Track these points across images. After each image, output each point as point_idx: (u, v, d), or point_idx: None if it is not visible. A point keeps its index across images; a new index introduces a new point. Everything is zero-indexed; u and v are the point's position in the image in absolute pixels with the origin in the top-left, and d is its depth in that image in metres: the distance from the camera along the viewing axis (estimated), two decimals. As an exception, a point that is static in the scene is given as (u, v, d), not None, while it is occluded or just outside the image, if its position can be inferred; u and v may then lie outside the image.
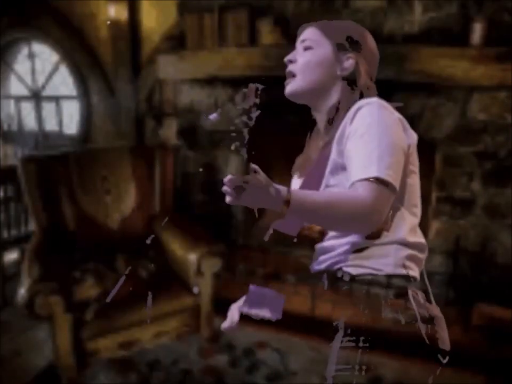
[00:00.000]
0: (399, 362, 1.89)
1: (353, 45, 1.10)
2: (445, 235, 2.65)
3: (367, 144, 0.95)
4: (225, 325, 1.14)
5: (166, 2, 3.15)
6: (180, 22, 3.02)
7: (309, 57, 1.09)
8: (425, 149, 2.91)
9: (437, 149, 2.59)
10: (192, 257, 2.29)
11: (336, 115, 1.08)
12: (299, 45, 1.12)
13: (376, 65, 1.14)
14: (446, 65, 2.32)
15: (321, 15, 2.64)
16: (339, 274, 1.06)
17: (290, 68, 1.11)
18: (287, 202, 0.87)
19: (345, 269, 1.05)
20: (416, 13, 2.49)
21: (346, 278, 1.05)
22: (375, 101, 1.01)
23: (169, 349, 2.35)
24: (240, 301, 1.12)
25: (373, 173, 0.92)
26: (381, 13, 2.55)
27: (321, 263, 1.11)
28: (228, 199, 0.88)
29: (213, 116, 0.97)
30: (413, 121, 2.52)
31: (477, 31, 2.31)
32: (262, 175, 0.87)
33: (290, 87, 1.10)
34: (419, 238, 1.08)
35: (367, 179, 0.91)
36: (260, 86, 0.88)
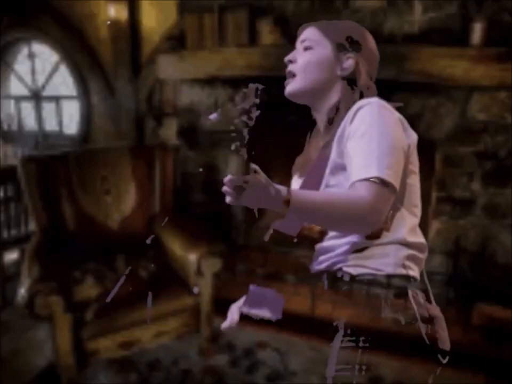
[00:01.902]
0: (399, 362, 1.89)
1: (353, 45, 1.10)
2: (445, 235, 2.65)
3: (367, 144, 0.95)
4: (225, 324, 1.14)
5: (166, 2, 3.15)
6: (179, 22, 3.02)
7: (309, 57, 1.09)
8: (425, 149, 2.90)
9: (437, 149, 2.59)
10: (192, 257, 2.29)
11: (336, 115, 1.08)
12: (299, 45, 1.12)
13: (376, 65, 1.14)
14: (446, 65, 2.32)
15: (321, 15, 2.64)
16: (339, 275, 1.06)
17: (291, 67, 1.11)
18: (287, 202, 0.87)
19: (345, 269, 1.05)
20: (416, 13, 2.49)
21: (346, 278, 1.05)
22: (375, 100, 1.01)
23: (169, 349, 2.35)
24: (240, 301, 1.12)
25: (373, 173, 0.91)
26: (381, 13, 2.55)
27: (321, 263, 1.11)
28: (228, 199, 0.88)
29: (213, 116, 0.97)
30: (413, 121, 2.52)
31: (477, 31, 2.31)
32: (262, 175, 0.87)
33: (291, 87, 1.10)
34: (419, 238, 1.07)
35: (367, 179, 0.91)
36: (260, 86, 0.88)
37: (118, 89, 3.48)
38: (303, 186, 1.11)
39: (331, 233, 1.09)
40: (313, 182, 1.08)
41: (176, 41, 3.02)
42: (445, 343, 1.04)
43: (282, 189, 0.88)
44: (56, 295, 1.95)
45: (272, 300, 1.08)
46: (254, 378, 2.24)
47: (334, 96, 1.09)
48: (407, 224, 1.05)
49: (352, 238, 1.04)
